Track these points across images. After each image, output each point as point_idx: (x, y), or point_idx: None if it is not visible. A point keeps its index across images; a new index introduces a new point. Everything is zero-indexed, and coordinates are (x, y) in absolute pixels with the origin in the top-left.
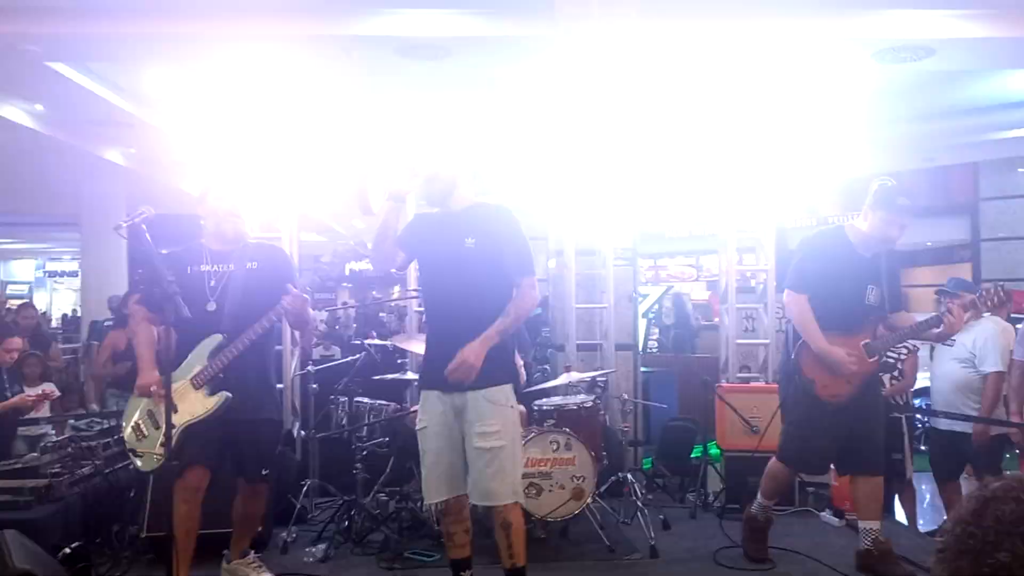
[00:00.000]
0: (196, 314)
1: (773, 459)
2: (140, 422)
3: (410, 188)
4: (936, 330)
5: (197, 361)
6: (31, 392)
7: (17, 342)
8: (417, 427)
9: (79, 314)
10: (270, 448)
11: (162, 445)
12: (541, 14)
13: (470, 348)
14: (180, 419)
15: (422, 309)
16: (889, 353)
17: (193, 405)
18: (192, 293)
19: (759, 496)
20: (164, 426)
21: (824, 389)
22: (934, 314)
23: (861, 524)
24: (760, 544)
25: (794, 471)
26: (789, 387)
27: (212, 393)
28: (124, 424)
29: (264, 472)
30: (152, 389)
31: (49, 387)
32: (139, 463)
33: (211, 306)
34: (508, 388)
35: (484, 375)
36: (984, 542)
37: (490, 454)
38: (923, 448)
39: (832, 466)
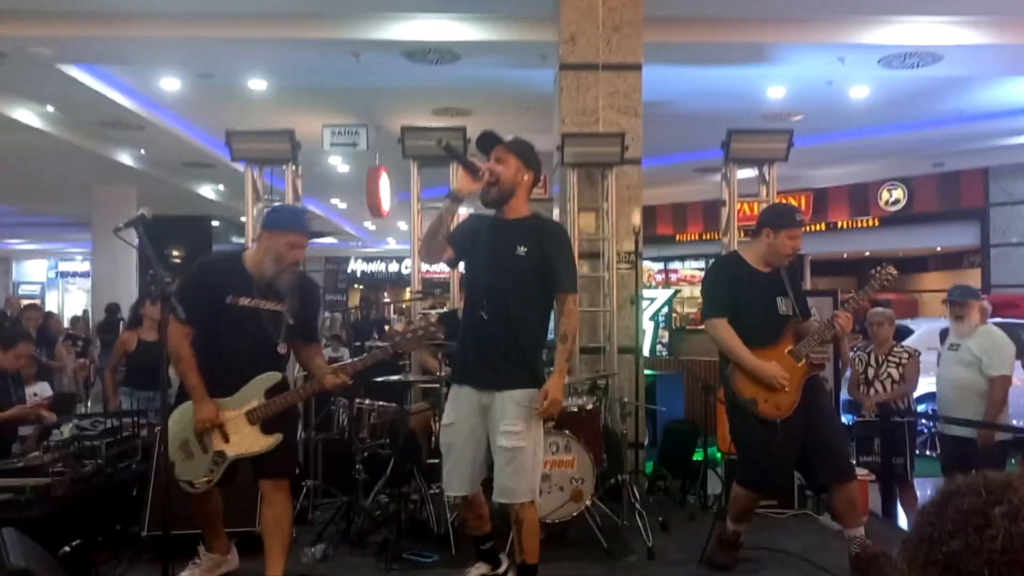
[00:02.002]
0: (247, 347)
1: (735, 484)
2: (188, 439)
3: (471, 190)
4: (832, 331)
5: (254, 396)
6: (27, 391)
7: (26, 348)
8: (443, 422)
9: (90, 314)
10: (290, 460)
11: (203, 480)
12: (547, 20)
13: (554, 386)
14: (234, 450)
15: (429, 311)
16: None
17: (250, 441)
18: (241, 326)
19: (728, 521)
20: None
21: (766, 405)
22: (827, 320)
23: (846, 533)
24: (727, 554)
25: (758, 494)
26: (734, 413)
27: (265, 431)
28: (170, 431)
29: (284, 468)
30: (211, 424)
31: (42, 390)
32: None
33: (282, 348)
34: (534, 392)
35: (513, 378)
36: (941, 531)
37: (511, 453)
38: (928, 453)
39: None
